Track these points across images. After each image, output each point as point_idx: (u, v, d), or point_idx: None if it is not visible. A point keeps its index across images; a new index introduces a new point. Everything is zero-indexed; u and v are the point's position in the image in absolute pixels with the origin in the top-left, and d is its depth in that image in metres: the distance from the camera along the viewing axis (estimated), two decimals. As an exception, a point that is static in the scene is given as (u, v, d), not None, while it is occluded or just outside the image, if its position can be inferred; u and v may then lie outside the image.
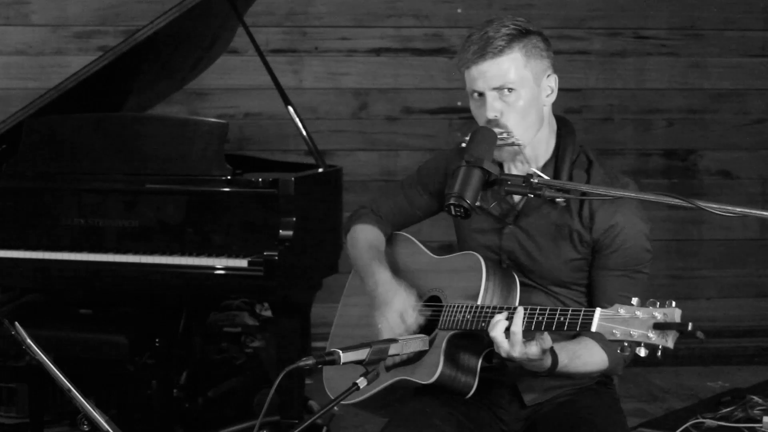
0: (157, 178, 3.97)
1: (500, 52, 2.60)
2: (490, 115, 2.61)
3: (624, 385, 2.93)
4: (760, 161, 5.79)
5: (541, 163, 2.70)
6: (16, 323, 2.61)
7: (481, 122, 2.65)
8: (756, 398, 4.06)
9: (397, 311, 2.70)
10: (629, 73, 5.68)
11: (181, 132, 4.03)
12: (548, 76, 2.69)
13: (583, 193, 2.57)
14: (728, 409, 4.03)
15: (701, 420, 3.93)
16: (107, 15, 5.38)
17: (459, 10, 5.52)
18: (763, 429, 3.82)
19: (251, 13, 4.47)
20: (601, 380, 2.77)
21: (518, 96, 2.62)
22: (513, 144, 2.61)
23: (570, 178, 2.68)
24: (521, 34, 2.63)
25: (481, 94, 2.63)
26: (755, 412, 3.97)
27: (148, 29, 4.04)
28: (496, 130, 2.60)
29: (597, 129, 5.63)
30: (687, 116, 5.74)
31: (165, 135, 4.01)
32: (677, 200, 2.33)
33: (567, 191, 2.59)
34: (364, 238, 2.94)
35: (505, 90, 2.61)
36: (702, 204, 2.29)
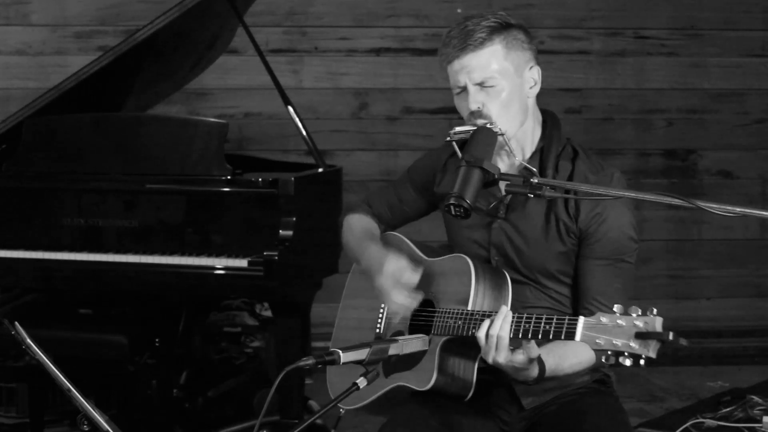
0: (157, 178, 3.97)
1: (480, 44, 2.62)
2: (473, 106, 2.63)
3: (624, 385, 2.93)
4: (760, 161, 5.79)
5: (528, 154, 2.72)
6: (16, 323, 2.61)
7: (464, 115, 2.67)
8: (756, 398, 4.06)
9: (394, 270, 2.69)
10: (629, 73, 5.68)
11: (181, 132, 4.03)
12: (531, 68, 2.69)
13: (584, 193, 2.57)
14: (728, 409, 4.03)
15: (701, 420, 3.92)
16: (107, 15, 5.39)
17: (459, 10, 5.52)
18: (763, 429, 3.82)
19: (251, 13, 4.47)
20: (601, 379, 2.77)
21: (501, 87, 2.63)
22: (495, 134, 2.62)
23: (556, 170, 2.70)
24: (502, 27, 2.65)
25: (464, 88, 2.65)
26: (755, 412, 3.97)
27: (148, 29, 4.04)
28: (479, 121, 2.62)
29: (597, 129, 5.62)
30: (687, 116, 5.74)
31: (165, 135, 4.02)
32: (677, 200, 2.33)
33: (567, 191, 2.59)
34: (359, 224, 2.96)
35: (487, 84, 2.63)
36: (702, 204, 2.29)
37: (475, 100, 2.63)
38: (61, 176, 4.08)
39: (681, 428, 3.89)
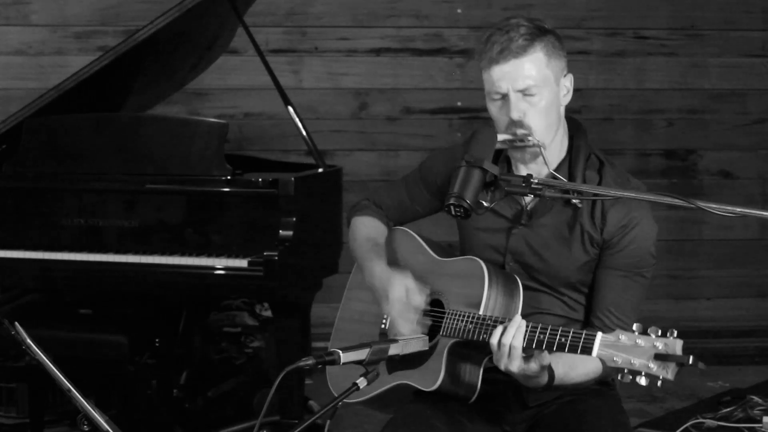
0: (157, 178, 3.97)
1: (524, 52, 2.58)
2: (515, 116, 2.59)
3: (624, 385, 2.92)
4: (760, 161, 5.79)
5: (556, 164, 2.70)
6: (16, 323, 2.61)
7: (502, 123, 2.63)
8: (756, 398, 4.06)
9: (401, 296, 2.68)
10: (629, 73, 5.68)
11: (181, 132, 4.03)
12: (565, 75, 2.68)
13: (584, 194, 2.57)
14: (728, 409, 4.02)
15: (701, 420, 3.92)
16: (107, 15, 5.39)
17: (459, 10, 5.52)
18: (763, 429, 3.82)
19: (251, 13, 4.47)
20: (603, 380, 2.77)
21: (541, 96, 2.61)
22: (534, 145, 2.61)
23: (584, 180, 2.68)
24: (541, 33, 2.62)
25: (504, 95, 2.62)
26: (755, 412, 3.97)
27: (148, 29, 4.04)
28: (520, 131, 2.60)
29: (597, 129, 5.62)
30: (687, 116, 5.74)
31: (165, 135, 4.02)
32: (677, 200, 2.33)
33: (567, 192, 2.59)
34: (364, 230, 2.93)
35: (529, 92, 2.60)
36: (702, 204, 2.29)
37: (518, 108, 2.59)
38: (61, 176, 4.08)
39: (681, 428, 3.88)
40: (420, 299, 2.67)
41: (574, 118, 2.79)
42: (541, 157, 2.64)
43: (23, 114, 4.12)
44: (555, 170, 2.66)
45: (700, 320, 5.72)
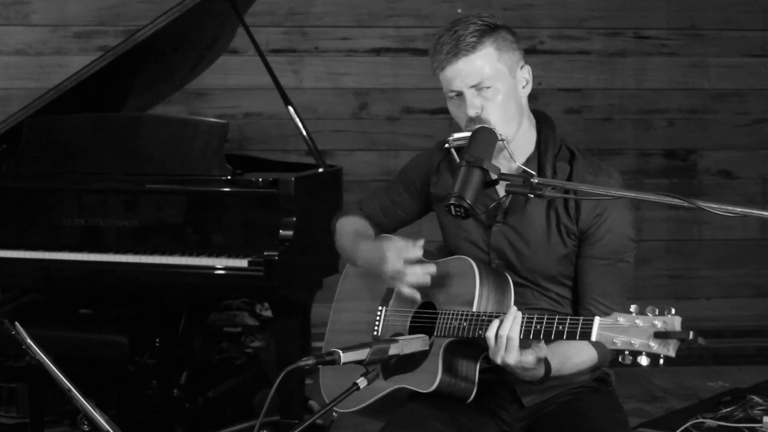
0: (157, 178, 3.97)
1: (473, 48, 2.62)
2: (471, 112, 2.62)
3: (624, 385, 2.93)
4: (760, 161, 5.79)
5: (524, 157, 2.71)
6: (16, 323, 2.61)
7: (461, 122, 2.66)
8: (756, 398, 4.06)
9: (396, 253, 2.67)
10: (629, 73, 5.68)
11: (181, 132, 4.03)
12: (522, 67, 2.69)
13: (584, 193, 2.57)
14: (728, 409, 4.03)
15: (701, 420, 3.93)
16: (107, 15, 5.39)
17: (459, 10, 5.52)
18: (763, 429, 3.82)
19: (251, 13, 4.47)
20: (601, 378, 2.78)
21: (496, 90, 2.63)
22: (498, 140, 2.62)
23: (554, 171, 2.69)
24: (490, 29, 2.64)
25: (459, 94, 2.65)
26: (755, 412, 3.97)
27: (148, 29, 4.04)
28: (479, 126, 2.61)
29: (597, 129, 5.62)
30: (687, 116, 5.74)
31: (165, 135, 4.02)
32: (677, 200, 2.33)
33: (567, 191, 2.59)
34: (351, 226, 2.96)
35: (483, 86, 2.62)
36: (702, 204, 2.29)
37: (473, 105, 2.63)
38: (61, 176, 4.08)
39: (681, 428, 3.89)
40: (417, 251, 2.66)
41: (542, 111, 2.80)
42: (506, 152, 2.64)
43: (23, 114, 4.12)
44: (524, 164, 2.65)
45: (700, 320, 5.71)
